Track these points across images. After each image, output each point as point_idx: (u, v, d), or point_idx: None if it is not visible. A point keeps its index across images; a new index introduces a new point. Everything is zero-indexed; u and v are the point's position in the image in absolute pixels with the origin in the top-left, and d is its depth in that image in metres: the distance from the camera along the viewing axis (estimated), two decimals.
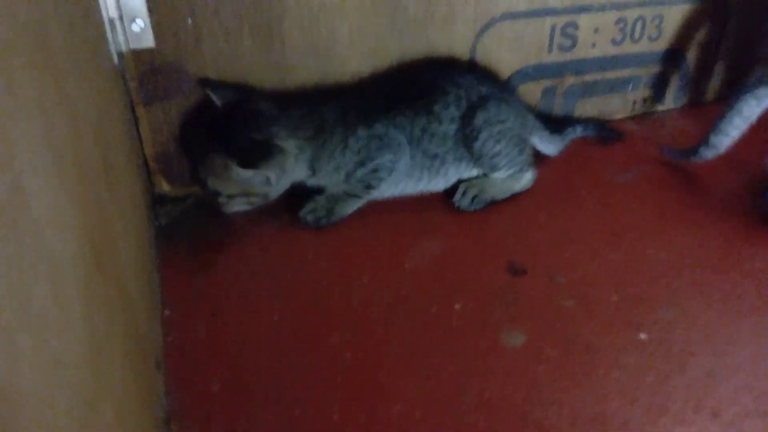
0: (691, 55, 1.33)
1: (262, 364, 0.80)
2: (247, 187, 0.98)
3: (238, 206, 1.00)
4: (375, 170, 1.03)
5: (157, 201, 1.10)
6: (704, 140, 1.10)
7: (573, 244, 1.00)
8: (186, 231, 1.04)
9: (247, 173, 0.96)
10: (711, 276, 0.93)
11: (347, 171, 1.03)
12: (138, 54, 1.01)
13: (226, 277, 0.94)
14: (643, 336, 0.83)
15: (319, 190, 1.06)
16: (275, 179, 0.98)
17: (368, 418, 0.74)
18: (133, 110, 1.05)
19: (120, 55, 1.00)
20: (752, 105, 1.03)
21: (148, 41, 1.01)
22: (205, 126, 0.99)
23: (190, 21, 1.00)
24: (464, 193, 1.09)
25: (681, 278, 0.92)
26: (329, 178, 1.04)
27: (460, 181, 1.11)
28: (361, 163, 1.02)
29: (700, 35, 1.31)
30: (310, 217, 1.03)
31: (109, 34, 0.97)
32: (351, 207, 1.06)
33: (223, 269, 0.95)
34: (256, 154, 0.96)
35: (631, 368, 0.79)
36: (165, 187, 1.12)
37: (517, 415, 0.74)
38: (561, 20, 1.20)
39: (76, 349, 0.46)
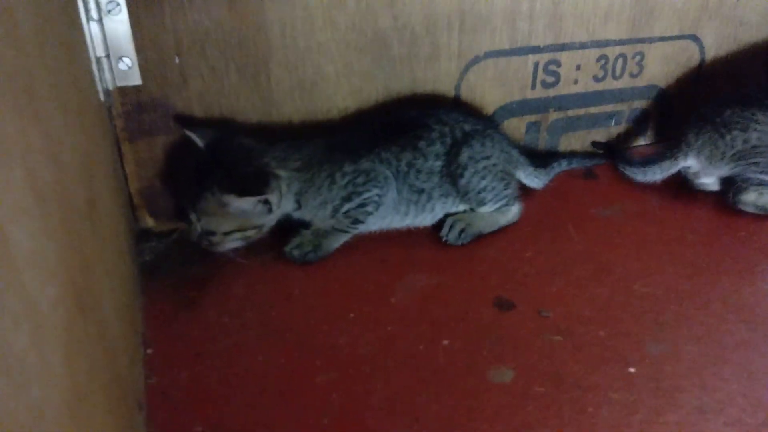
0: (672, 91, 1.35)
1: (246, 406, 0.78)
2: (244, 220, 0.98)
3: (232, 243, 1.00)
4: (362, 205, 1.03)
5: (141, 236, 1.09)
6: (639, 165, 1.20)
7: (559, 278, 1.01)
8: (170, 267, 1.03)
9: (247, 203, 0.95)
10: (696, 310, 0.93)
11: (334, 206, 1.03)
12: (125, 91, 1.02)
13: (211, 314, 0.92)
14: (632, 370, 0.83)
15: (305, 225, 1.06)
16: (276, 203, 0.98)
17: None
18: (118, 146, 1.05)
19: (107, 92, 1.01)
20: (657, 173, 1.19)
21: (135, 79, 1.01)
22: (192, 167, 0.99)
23: (177, 60, 1.01)
24: (451, 227, 1.10)
25: (667, 313, 0.93)
26: (315, 213, 1.04)
27: (447, 216, 1.12)
28: (348, 198, 1.02)
29: (680, 72, 1.35)
30: (296, 252, 1.03)
31: (96, 73, 0.97)
32: (338, 242, 1.05)
33: (207, 307, 0.94)
34: (255, 182, 0.96)
35: (621, 404, 0.78)
36: (149, 222, 1.11)
37: None
38: (544, 58, 1.23)
39: (56, 396, 0.45)
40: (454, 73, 1.18)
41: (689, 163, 1.18)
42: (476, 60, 1.18)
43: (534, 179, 1.21)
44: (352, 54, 1.09)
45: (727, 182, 1.17)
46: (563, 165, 1.27)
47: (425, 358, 0.86)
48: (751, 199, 1.12)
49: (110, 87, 1.01)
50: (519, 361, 0.85)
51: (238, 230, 0.98)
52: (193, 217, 0.97)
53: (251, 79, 1.06)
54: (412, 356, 0.86)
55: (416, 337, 0.89)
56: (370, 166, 1.04)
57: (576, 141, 1.35)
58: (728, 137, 1.14)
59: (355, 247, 1.06)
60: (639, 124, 1.37)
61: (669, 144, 1.21)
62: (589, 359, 0.85)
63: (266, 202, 0.97)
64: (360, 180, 1.03)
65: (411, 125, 1.09)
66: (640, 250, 1.06)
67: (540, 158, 1.26)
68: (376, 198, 1.04)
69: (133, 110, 1.03)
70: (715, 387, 0.81)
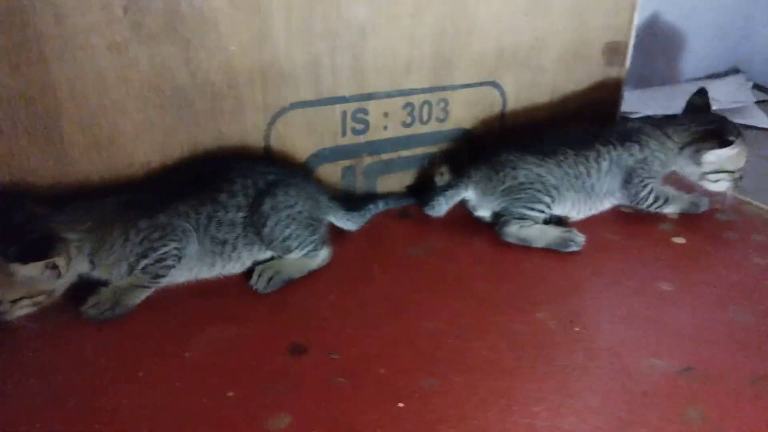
0: (478, 133, 1.46)
1: None
2: (32, 286, 0.97)
3: (21, 311, 0.98)
4: (160, 260, 1.05)
5: None
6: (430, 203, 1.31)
7: (356, 319, 1.06)
8: None
9: (33, 270, 0.94)
10: (472, 342, 1.01)
11: (129, 263, 1.03)
12: None
13: None
14: (401, 405, 0.89)
15: (105, 282, 1.06)
16: (65, 266, 0.98)
17: None
18: None
19: None
20: (443, 203, 1.30)
21: None
22: None
23: None
24: (260, 275, 1.13)
25: (446, 347, 1.00)
26: (111, 272, 1.04)
27: (256, 264, 1.15)
28: (144, 255, 1.04)
29: (484, 115, 1.46)
30: (92, 312, 1.02)
31: None
32: (138, 297, 1.06)
33: None
34: (39, 248, 0.95)
35: None
36: None
37: None
38: (351, 107, 1.30)
39: None
40: (261, 124, 1.23)
41: (469, 194, 1.31)
42: (283, 111, 1.23)
43: (347, 222, 1.27)
44: (150, 110, 1.12)
45: (498, 216, 1.29)
46: (379, 206, 1.34)
47: (208, 412, 0.88)
48: (513, 230, 1.24)
49: None
50: (299, 406, 0.89)
51: (27, 297, 0.97)
52: None
53: (42, 140, 1.05)
54: (196, 411, 0.88)
55: (203, 391, 0.91)
56: (166, 220, 1.06)
57: (392, 182, 1.42)
58: (501, 174, 1.29)
59: (158, 301, 1.07)
60: (451, 164, 1.47)
61: (453, 178, 1.34)
62: (365, 398, 0.90)
63: (54, 266, 0.97)
64: (156, 235, 1.04)
65: (213, 178, 1.12)
66: (434, 287, 1.14)
67: (359, 201, 1.32)
68: (174, 251, 1.06)
69: None
70: (473, 416, 0.88)
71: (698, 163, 1.34)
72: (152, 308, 1.06)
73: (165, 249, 1.04)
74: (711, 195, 1.39)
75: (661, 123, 1.41)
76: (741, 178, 1.36)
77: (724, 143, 1.30)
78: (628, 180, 1.35)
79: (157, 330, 1.02)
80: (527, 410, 0.89)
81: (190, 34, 1.09)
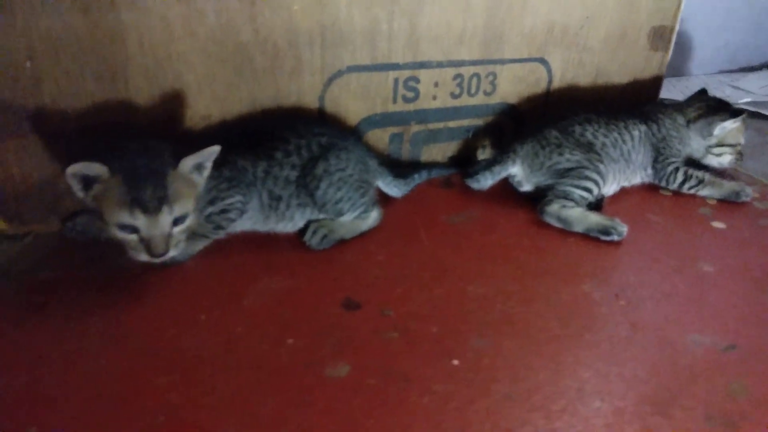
0: (523, 108, 1.48)
1: (82, 408, 0.80)
2: (197, 196, 1.00)
3: (182, 238, 0.98)
4: (224, 210, 1.07)
5: None
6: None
7: (406, 280, 1.09)
8: (20, 271, 1.03)
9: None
10: (520, 308, 1.04)
11: (199, 208, 1.05)
12: None
13: (57, 320, 0.93)
14: (455, 363, 0.92)
15: None
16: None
17: None
18: None
19: None
20: (488, 178, 1.33)
21: None
22: (124, 173, 0.93)
23: (29, 64, 1.00)
24: (314, 233, 1.15)
25: (493, 311, 1.03)
26: None
27: (310, 222, 1.17)
28: (211, 202, 1.06)
29: (530, 91, 1.47)
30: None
31: None
32: (198, 246, 1.09)
33: (54, 312, 0.95)
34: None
35: (440, 394, 0.87)
36: (1, 225, 1.10)
37: None
38: (403, 74, 1.31)
39: None
40: (318, 86, 1.24)
41: (515, 170, 1.33)
42: (339, 74, 1.25)
43: (393, 188, 1.29)
44: (213, 64, 1.13)
45: (541, 193, 1.31)
46: (423, 176, 1.36)
47: (268, 358, 0.91)
48: (554, 210, 1.25)
49: None
50: (356, 357, 0.92)
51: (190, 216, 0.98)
52: (155, 216, 0.92)
53: (108, 85, 1.07)
54: (256, 356, 0.91)
55: (262, 338, 0.94)
56: (230, 173, 1.08)
57: (437, 152, 1.44)
58: (547, 150, 1.31)
59: (214, 251, 1.10)
60: (494, 138, 1.49)
61: (500, 153, 1.35)
62: (419, 354, 0.93)
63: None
64: (223, 186, 1.06)
65: (269, 136, 1.14)
66: (478, 254, 1.17)
67: (404, 168, 1.35)
68: (238, 205, 1.08)
69: None
70: (524, 377, 0.91)
71: (707, 136, 1.45)
72: (208, 257, 1.09)
73: (231, 200, 1.07)
74: (716, 172, 1.48)
75: (669, 105, 1.52)
76: (741, 154, 1.48)
77: (736, 113, 1.43)
78: (655, 159, 1.42)
79: (213, 278, 1.05)
80: (576, 375, 0.92)
81: None
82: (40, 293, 0.98)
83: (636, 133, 1.39)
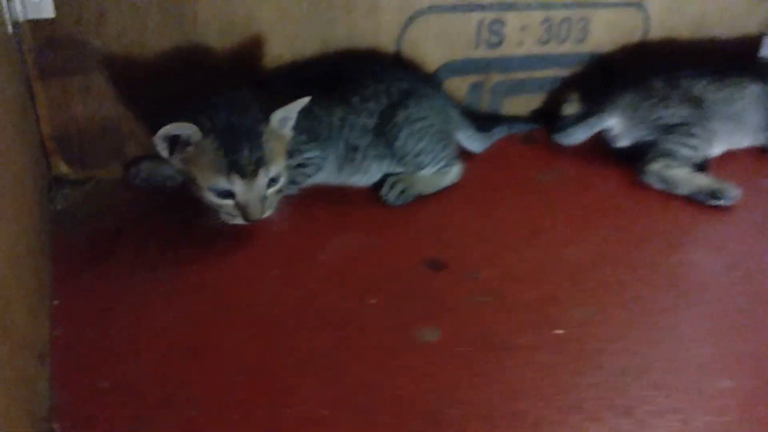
0: (616, 59, 1.34)
1: (154, 362, 0.74)
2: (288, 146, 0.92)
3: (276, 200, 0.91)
4: (302, 165, 0.99)
5: (54, 183, 1.01)
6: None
7: (493, 241, 0.99)
8: (84, 217, 0.96)
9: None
10: (625, 275, 0.93)
11: None
12: (36, 24, 0.94)
13: (123, 268, 0.87)
14: (559, 332, 0.82)
15: None
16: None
17: (270, 418, 0.69)
18: (29, 84, 0.97)
19: (15, 24, 0.92)
20: (581, 132, 1.20)
21: (48, 12, 0.94)
22: (217, 134, 0.85)
23: None
24: (392, 187, 1.06)
25: (596, 277, 0.92)
26: None
27: (387, 175, 1.08)
28: (290, 155, 0.97)
29: (624, 40, 1.34)
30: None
31: (3, 1, 0.89)
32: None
33: (120, 260, 0.88)
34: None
35: (545, 366, 0.77)
36: (63, 169, 1.04)
37: (429, 413, 0.71)
38: (488, 16, 1.19)
39: None
40: (395, 27, 1.13)
41: (613, 123, 1.19)
42: (419, 14, 1.14)
43: (474, 142, 1.19)
44: (286, 1, 1.03)
45: (640, 150, 1.17)
46: (505, 131, 1.25)
47: (350, 317, 0.83)
48: (657, 169, 1.11)
49: (20, 19, 0.92)
50: (447, 320, 0.83)
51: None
52: (252, 180, 0.85)
53: (176, 18, 0.99)
54: (338, 315, 0.83)
55: (343, 296, 0.86)
56: (307, 123, 0.98)
57: (519, 104, 1.32)
58: (650, 102, 1.17)
59: (282, 206, 1.01)
60: (583, 91, 1.36)
61: (594, 104, 1.22)
62: (516, 321, 0.84)
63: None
64: (302, 138, 0.98)
65: (345, 79, 1.04)
66: (573, 216, 1.06)
67: (481, 120, 1.23)
68: (317, 160, 1.00)
69: (45, 46, 0.95)
70: (638, 351, 0.80)
71: None
72: (281, 211, 1.00)
73: (309, 154, 0.98)
74: None
75: None
76: None
77: None
78: None
79: (286, 233, 0.97)
80: (697, 350, 0.81)
81: None
82: (105, 240, 0.92)
83: (751, 91, 1.23)
